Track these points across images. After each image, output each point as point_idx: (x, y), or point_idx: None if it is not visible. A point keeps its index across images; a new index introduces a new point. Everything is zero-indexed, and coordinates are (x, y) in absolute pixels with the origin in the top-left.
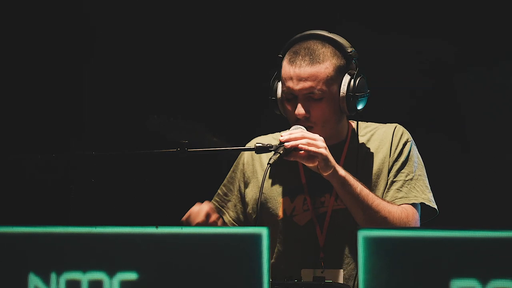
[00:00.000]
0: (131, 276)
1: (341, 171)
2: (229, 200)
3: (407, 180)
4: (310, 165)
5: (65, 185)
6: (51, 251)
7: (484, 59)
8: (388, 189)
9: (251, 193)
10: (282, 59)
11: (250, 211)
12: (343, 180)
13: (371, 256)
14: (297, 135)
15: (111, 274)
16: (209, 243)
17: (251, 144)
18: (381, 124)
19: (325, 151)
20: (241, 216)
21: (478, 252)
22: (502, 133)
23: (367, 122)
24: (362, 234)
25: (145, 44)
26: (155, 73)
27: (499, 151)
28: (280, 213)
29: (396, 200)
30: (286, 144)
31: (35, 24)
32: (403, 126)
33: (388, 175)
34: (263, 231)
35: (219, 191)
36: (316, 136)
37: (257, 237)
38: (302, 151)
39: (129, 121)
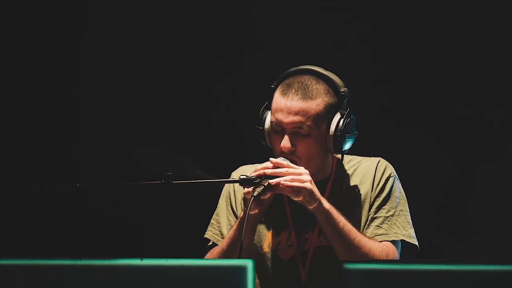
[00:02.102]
0: None
1: (326, 204)
2: (223, 226)
3: (387, 217)
4: (296, 198)
5: (49, 216)
6: (36, 284)
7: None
8: (369, 225)
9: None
10: (274, 90)
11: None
12: (327, 213)
13: None
14: (282, 171)
15: None
16: (194, 275)
17: (237, 172)
18: (365, 157)
19: (309, 185)
20: None
21: (464, 286)
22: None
23: (351, 155)
24: (347, 267)
25: (131, 73)
26: (139, 103)
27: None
28: (265, 246)
29: (376, 236)
30: (270, 181)
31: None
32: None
33: (369, 210)
34: (248, 264)
35: (212, 221)
36: (301, 169)
37: (242, 270)
38: (289, 184)
39: (114, 151)
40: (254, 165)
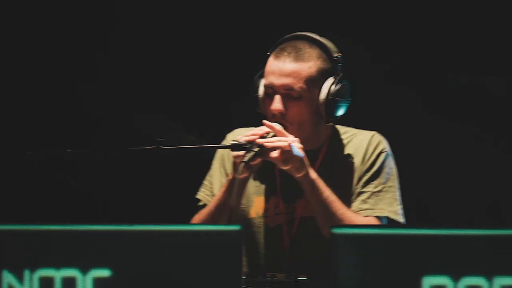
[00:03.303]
0: (104, 273)
1: (313, 174)
2: (215, 188)
3: (375, 192)
4: (284, 167)
5: (39, 182)
6: (25, 249)
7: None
8: (355, 199)
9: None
10: (269, 56)
11: None
12: (313, 183)
13: (344, 253)
14: (273, 140)
15: (84, 271)
16: (183, 240)
17: (233, 134)
18: (360, 130)
19: (300, 153)
20: None
21: (449, 249)
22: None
23: (346, 127)
24: (335, 232)
25: (124, 42)
26: (131, 72)
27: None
28: (253, 212)
29: (361, 211)
30: (266, 144)
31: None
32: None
33: (357, 184)
34: (237, 228)
35: (205, 182)
36: (291, 137)
37: (232, 234)
38: (277, 154)
39: (106, 119)
40: (250, 128)
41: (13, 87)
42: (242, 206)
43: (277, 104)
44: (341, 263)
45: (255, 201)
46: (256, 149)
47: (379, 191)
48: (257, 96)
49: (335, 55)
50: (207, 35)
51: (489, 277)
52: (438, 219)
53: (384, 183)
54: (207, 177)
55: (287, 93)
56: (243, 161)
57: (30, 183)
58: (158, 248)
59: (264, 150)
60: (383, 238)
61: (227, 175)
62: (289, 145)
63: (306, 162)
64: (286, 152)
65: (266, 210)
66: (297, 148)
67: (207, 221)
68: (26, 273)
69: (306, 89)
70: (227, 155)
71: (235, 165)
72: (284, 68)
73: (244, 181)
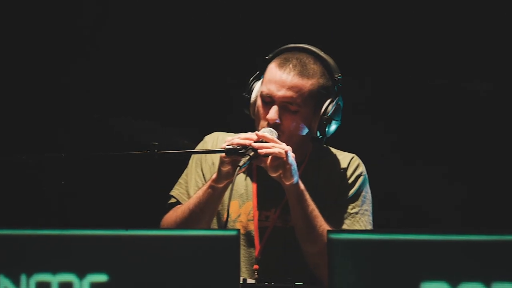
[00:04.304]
0: (101, 278)
1: (301, 185)
2: (190, 187)
3: (351, 213)
4: (273, 174)
5: (36, 186)
6: (21, 253)
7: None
8: (332, 218)
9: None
10: (268, 62)
11: None
12: (301, 193)
13: (341, 259)
14: (268, 145)
15: (81, 276)
16: (180, 245)
17: (211, 136)
18: (339, 151)
19: (292, 160)
20: None
21: (448, 255)
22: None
23: (327, 146)
24: (332, 237)
25: (119, 47)
26: (126, 75)
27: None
28: (226, 214)
29: None
30: (260, 151)
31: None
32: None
33: (335, 202)
34: (235, 233)
35: (180, 180)
36: (284, 145)
37: (229, 239)
38: (269, 160)
39: (100, 122)
40: (229, 133)
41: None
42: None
43: (273, 114)
44: (337, 268)
45: (230, 205)
46: (252, 153)
47: (356, 213)
48: (249, 98)
49: (336, 75)
50: (202, 38)
51: (487, 282)
52: (435, 224)
53: (360, 206)
54: (183, 176)
55: (285, 105)
56: (238, 166)
57: (23, 187)
58: (155, 252)
59: (258, 155)
60: (380, 243)
61: (203, 176)
62: (286, 152)
63: (296, 170)
64: (280, 159)
65: (238, 215)
66: (291, 156)
67: (186, 220)
68: (23, 277)
69: (304, 105)
70: (204, 156)
71: (221, 164)
72: (287, 81)
73: (226, 186)
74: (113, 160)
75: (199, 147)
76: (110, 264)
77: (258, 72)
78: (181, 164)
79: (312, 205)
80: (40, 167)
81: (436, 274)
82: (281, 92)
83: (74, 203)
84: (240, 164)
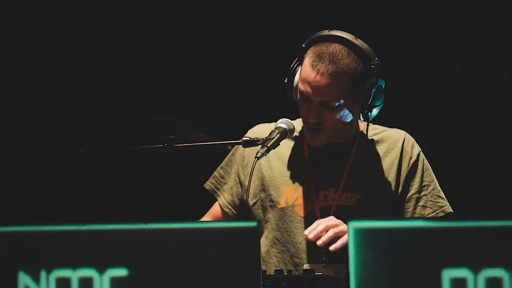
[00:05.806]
0: (122, 272)
1: None
2: (225, 183)
3: (428, 193)
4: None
5: (53, 183)
6: (41, 249)
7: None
8: (415, 205)
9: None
10: (304, 50)
11: (250, 196)
12: None
13: (363, 248)
14: (321, 228)
15: (101, 271)
16: (199, 238)
17: (252, 131)
18: (388, 128)
19: (344, 226)
20: (236, 199)
21: (469, 241)
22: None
23: (373, 124)
24: (352, 226)
25: (134, 40)
26: (142, 70)
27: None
28: (282, 201)
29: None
30: (309, 237)
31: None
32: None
33: (402, 184)
34: (255, 225)
35: (215, 173)
36: (338, 221)
37: (249, 231)
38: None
39: (117, 118)
40: (271, 123)
41: (10, 87)
42: (271, 197)
43: (313, 116)
44: (359, 257)
45: (285, 190)
46: (269, 144)
47: (433, 189)
48: (291, 86)
49: (372, 62)
50: (217, 32)
51: (509, 268)
52: (458, 210)
53: (431, 182)
54: (219, 170)
55: (324, 103)
56: (256, 157)
57: (42, 183)
58: (174, 246)
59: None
60: (401, 232)
61: (240, 183)
62: (342, 231)
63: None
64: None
65: (295, 198)
66: (343, 227)
67: None
68: (43, 274)
69: (343, 99)
70: (245, 165)
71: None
72: (321, 83)
73: None
74: (130, 155)
75: (240, 150)
76: (130, 259)
77: (296, 59)
78: (201, 157)
79: None
80: (58, 163)
81: (458, 260)
82: (317, 97)
83: (92, 199)
84: (258, 155)
